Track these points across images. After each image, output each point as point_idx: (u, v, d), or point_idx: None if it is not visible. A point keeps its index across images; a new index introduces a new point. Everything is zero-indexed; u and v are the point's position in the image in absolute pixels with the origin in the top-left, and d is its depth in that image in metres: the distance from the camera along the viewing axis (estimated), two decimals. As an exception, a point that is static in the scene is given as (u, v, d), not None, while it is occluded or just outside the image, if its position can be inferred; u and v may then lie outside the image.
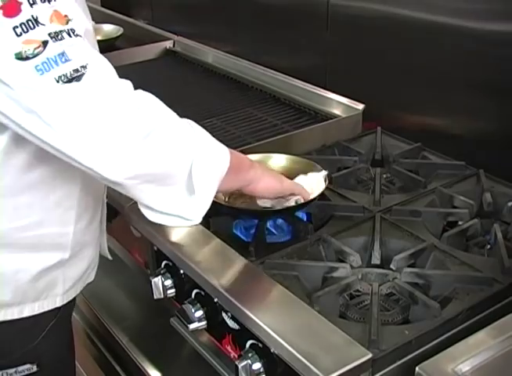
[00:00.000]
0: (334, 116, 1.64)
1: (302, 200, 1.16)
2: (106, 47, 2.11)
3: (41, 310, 1.05)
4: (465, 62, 1.40)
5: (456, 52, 1.41)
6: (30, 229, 1.01)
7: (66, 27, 0.85)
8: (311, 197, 1.18)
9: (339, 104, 1.65)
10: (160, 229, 1.18)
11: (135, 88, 0.93)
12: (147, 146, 0.88)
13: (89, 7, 0.98)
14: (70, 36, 0.85)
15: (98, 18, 2.34)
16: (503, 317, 0.93)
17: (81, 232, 1.08)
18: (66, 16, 0.85)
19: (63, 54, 0.83)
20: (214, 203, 1.18)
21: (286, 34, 1.87)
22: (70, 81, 0.83)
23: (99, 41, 1.00)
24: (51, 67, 0.82)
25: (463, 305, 0.99)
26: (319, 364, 0.86)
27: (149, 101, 0.92)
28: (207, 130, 1.08)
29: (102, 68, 0.87)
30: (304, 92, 1.74)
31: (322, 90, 1.71)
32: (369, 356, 0.87)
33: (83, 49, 0.86)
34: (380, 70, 1.60)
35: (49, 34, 0.83)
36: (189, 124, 0.97)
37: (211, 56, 2.10)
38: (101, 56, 0.89)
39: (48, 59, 0.82)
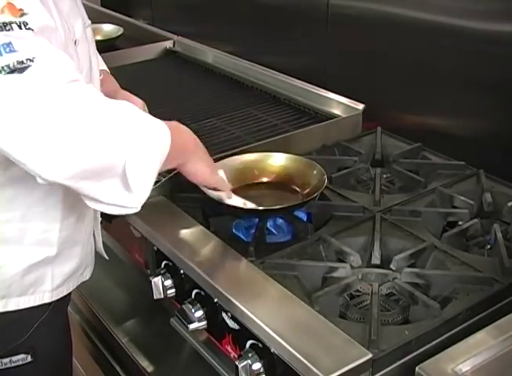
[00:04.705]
0: (334, 116, 1.63)
1: (250, 205, 1.16)
2: (106, 47, 2.10)
3: (27, 305, 1.05)
4: (465, 62, 1.40)
5: (456, 52, 1.41)
6: (13, 222, 1.01)
7: (17, 19, 0.84)
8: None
9: (339, 104, 1.65)
10: (160, 229, 1.18)
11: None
12: (83, 145, 0.85)
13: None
14: (21, 28, 0.84)
15: (98, 18, 2.33)
16: (503, 317, 0.94)
17: (69, 229, 1.07)
18: (21, 9, 0.85)
19: (8, 44, 0.82)
20: (214, 203, 1.18)
21: (286, 34, 1.87)
22: (12, 72, 0.81)
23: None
24: None
25: (463, 305, 0.99)
26: (319, 364, 0.86)
27: (89, 98, 0.88)
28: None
29: (50, 63, 0.84)
30: (304, 92, 1.74)
31: (322, 90, 1.70)
32: (369, 356, 0.88)
33: (33, 43, 0.84)
34: (380, 70, 1.60)
35: None
36: (128, 112, 0.92)
37: (211, 55, 2.09)
38: (56, 52, 0.87)
39: None
